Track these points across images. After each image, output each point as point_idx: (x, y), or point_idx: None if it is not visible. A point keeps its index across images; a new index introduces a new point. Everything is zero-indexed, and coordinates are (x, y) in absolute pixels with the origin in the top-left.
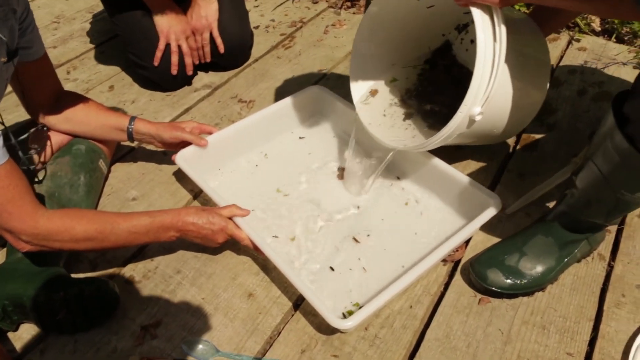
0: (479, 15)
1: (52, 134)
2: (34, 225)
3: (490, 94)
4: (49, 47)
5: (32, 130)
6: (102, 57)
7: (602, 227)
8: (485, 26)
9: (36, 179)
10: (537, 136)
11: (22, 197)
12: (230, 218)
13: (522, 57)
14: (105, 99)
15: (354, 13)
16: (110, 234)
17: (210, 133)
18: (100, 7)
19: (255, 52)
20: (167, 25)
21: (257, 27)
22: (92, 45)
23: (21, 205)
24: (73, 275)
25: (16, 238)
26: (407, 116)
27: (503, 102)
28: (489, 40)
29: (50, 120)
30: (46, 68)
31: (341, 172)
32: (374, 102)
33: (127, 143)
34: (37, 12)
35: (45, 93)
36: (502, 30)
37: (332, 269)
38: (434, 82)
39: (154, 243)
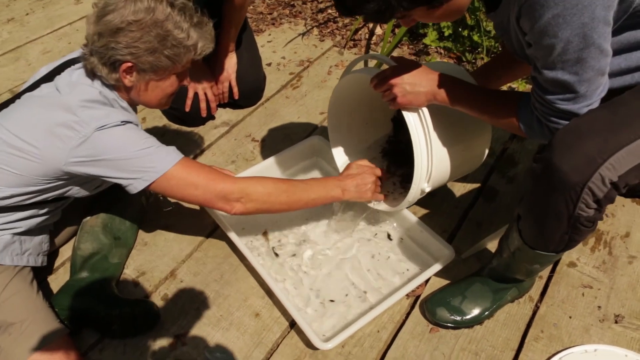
0: (409, 117)
1: None
2: (234, 183)
3: (432, 171)
4: None
5: None
6: None
7: (525, 279)
8: (416, 125)
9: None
10: (498, 187)
11: (212, 170)
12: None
13: (461, 124)
14: None
15: (355, 54)
16: (295, 190)
17: None
18: None
19: (267, 91)
20: (195, 78)
21: (269, 65)
22: None
23: (217, 173)
24: (119, 287)
25: (227, 201)
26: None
27: (448, 167)
28: (421, 134)
29: None
30: None
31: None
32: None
33: None
34: (75, 36)
35: None
36: (429, 124)
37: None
38: (400, 147)
39: (328, 201)
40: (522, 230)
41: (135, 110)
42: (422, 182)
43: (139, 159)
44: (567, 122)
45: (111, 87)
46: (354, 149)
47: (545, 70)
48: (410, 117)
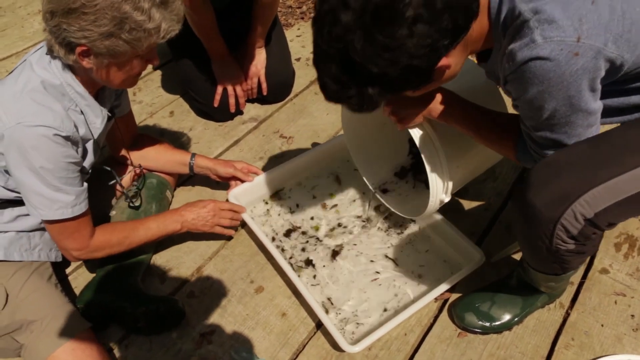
0: (416, 133)
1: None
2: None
3: (449, 182)
4: None
5: (130, 171)
6: (163, 79)
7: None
8: (423, 140)
9: (130, 205)
10: None
11: (85, 229)
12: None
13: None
14: (167, 125)
15: None
16: (134, 236)
17: (256, 173)
18: None
19: (296, 86)
20: (224, 73)
21: (298, 60)
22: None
23: (83, 234)
24: (145, 283)
25: (69, 254)
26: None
27: (468, 171)
28: (432, 150)
29: (130, 157)
30: (130, 119)
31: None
32: (381, 172)
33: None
34: None
35: (127, 138)
36: (435, 137)
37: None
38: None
39: (166, 235)
40: (523, 253)
41: (101, 92)
42: (439, 194)
43: (30, 188)
44: None
45: (67, 67)
46: (376, 158)
47: (535, 131)
48: (416, 133)
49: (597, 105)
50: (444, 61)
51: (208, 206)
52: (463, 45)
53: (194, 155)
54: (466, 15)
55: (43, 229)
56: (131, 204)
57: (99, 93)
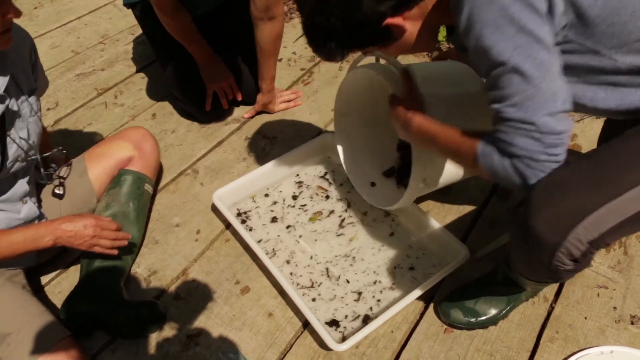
0: None
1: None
2: None
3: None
4: (97, 69)
5: (54, 150)
6: (144, 82)
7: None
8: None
9: (57, 191)
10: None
11: None
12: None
13: (468, 117)
14: (149, 127)
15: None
16: None
17: None
18: (139, 29)
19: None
20: (211, 77)
21: (280, 60)
22: (134, 69)
23: None
24: (131, 287)
25: None
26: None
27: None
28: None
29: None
30: None
31: None
32: (366, 170)
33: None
34: (84, 30)
35: None
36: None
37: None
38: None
39: (35, 249)
40: (514, 262)
41: None
42: (420, 180)
43: None
44: (525, 148)
45: None
46: (363, 159)
47: (491, 78)
48: None
49: (549, 36)
50: (396, 20)
51: (87, 223)
52: (419, 13)
53: None
54: None
55: None
56: (54, 194)
57: None
